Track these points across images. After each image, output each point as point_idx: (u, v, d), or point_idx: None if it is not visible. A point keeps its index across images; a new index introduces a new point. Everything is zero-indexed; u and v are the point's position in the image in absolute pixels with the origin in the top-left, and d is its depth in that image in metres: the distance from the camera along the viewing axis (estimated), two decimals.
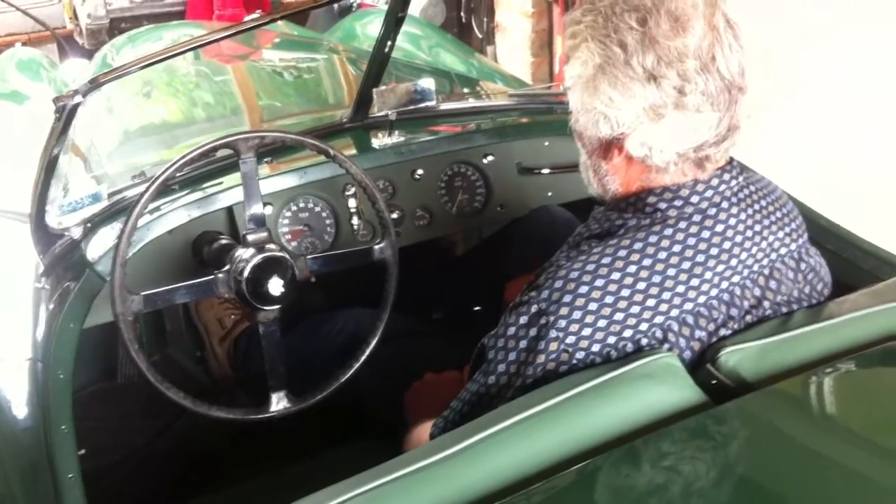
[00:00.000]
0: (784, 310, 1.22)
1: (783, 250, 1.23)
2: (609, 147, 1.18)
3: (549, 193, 1.98)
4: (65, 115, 1.34)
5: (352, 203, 1.78)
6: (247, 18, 3.96)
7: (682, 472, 0.96)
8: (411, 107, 1.76)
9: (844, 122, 3.02)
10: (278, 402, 1.50)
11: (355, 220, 1.79)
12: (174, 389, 1.42)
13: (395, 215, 1.81)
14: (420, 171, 1.83)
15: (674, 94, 1.09)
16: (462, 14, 4.50)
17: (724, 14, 1.11)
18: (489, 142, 1.89)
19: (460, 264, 2.14)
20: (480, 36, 4.44)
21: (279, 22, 3.76)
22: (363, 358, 1.55)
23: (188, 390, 1.45)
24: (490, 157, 1.90)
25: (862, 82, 3.01)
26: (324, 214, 1.77)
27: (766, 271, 1.20)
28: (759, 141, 2.96)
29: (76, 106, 1.34)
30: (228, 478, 1.62)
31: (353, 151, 1.83)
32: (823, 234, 1.55)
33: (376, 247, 1.56)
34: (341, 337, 1.73)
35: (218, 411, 1.46)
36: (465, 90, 2.64)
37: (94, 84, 1.35)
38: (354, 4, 3.93)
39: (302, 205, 1.75)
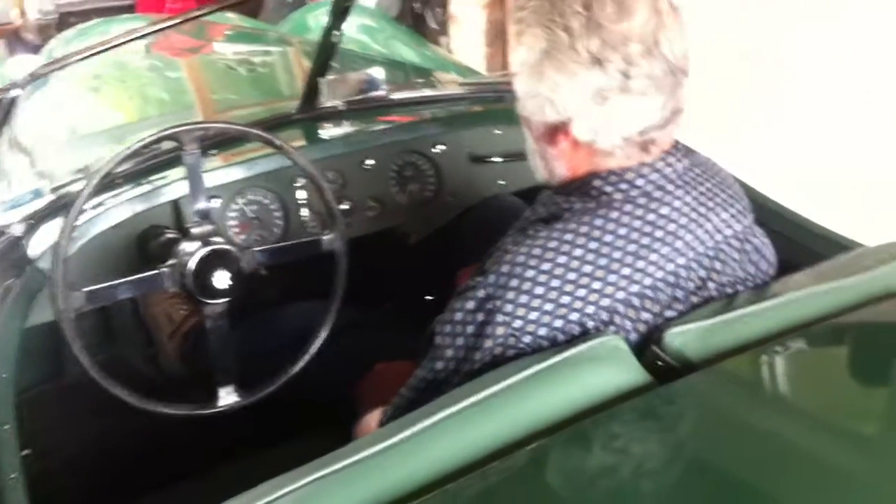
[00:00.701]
0: (729, 290, 1.23)
1: (728, 231, 1.23)
2: (555, 132, 1.18)
3: (502, 182, 1.98)
4: (3, 108, 1.32)
5: (301, 195, 1.76)
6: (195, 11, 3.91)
7: (628, 452, 0.97)
8: (360, 96, 1.75)
9: (839, 112, 3.02)
10: (227, 397, 1.49)
11: (304, 212, 1.77)
12: (120, 387, 1.40)
13: (344, 206, 1.80)
14: (370, 162, 1.82)
15: (619, 77, 1.09)
16: (416, 5, 4.48)
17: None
18: (439, 131, 1.89)
19: (413, 254, 2.13)
20: (434, 27, 4.43)
21: (230, 14, 3.73)
22: (312, 350, 1.54)
23: (139, 387, 1.43)
24: (441, 147, 1.89)
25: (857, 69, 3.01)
26: (272, 207, 1.75)
27: (712, 253, 1.21)
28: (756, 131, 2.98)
29: (14, 99, 1.32)
30: (180, 475, 1.61)
31: (302, 142, 1.82)
32: (770, 215, 1.56)
33: (325, 238, 1.55)
34: (292, 330, 1.71)
35: (165, 407, 1.45)
36: (419, 81, 2.63)
37: (34, 76, 1.32)
38: None
39: (250, 197, 1.73)
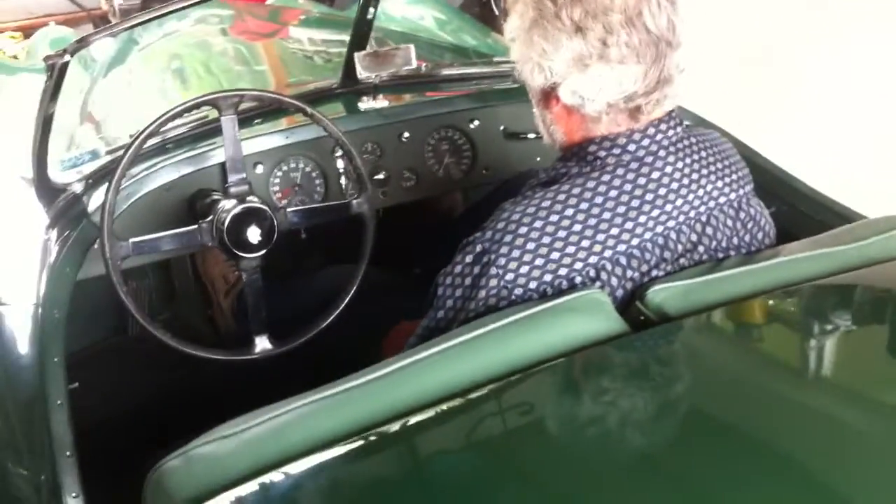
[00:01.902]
0: (720, 255, 1.29)
1: (722, 199, 1.29)
2: (548, 96, 1.26)
3: (538, 158, 2.05)
4: (55, 73, 1.45)
5: (340, 164, 1.86)
6: (270, 1, 4.08)
7: (598, 386, 1.06)
8: (393, 70, 1.84)
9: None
10: (260, 345, 1.61)
11: (343, 180, 1.87)
12: (161, 329, 1.53)
13: (381, 176, 1.90)
14: (407, 134, 1.91)
15: (598, 45, 1.16)
16: None
17: None
18: (474, 106, 1.97)
19: (446, 223, 2.22)
20: (498, 13, 4.50)
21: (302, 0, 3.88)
22: (342, 305, 1.64)
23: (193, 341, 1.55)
24: (476, 122, 1.97)
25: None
26: (313, 174, 1.86)
27: (704, 218, 1.27)
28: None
29: (65, 64, 1.45)
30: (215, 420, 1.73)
31: (342, 114, 1.92)
32: (779, 185, 1.60)
33: (354, 201, 1.65)
34: (326, 290, 1.82)
35: (203, 351, 1.57)
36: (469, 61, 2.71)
37: (82, 43, 1.45)
38: None
39: (292, 165, 1.84)
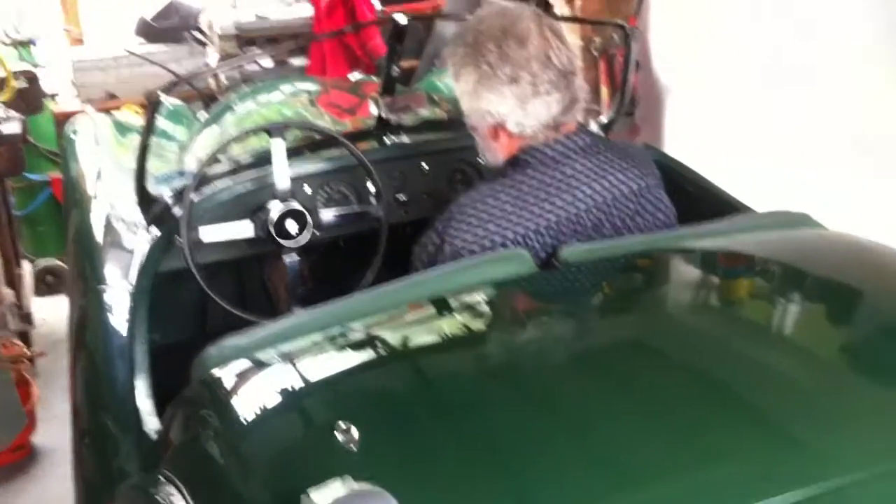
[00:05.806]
0: (624, 232, 1.71)
1: (624, 188, 1.71)
2: (496, 131, 1.72)
3: None
4: (150, 108, 1.99)
5: (371, 188, 2.35)
6: (350, 76, 4.70)
7: (508, 300, 1.56)
8: (409, 111, 2.34)
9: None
10: (296, 312, 2.08)
11: (373, 200, 2.36)
12: (220, 297, 2.02)
13: (403, 197, 2.38)
14: (425, 165, 2.39)
15: (529, 87, 1.64)
16: None
17: (550, 26, 1.68)
18: None
19: None
20: None
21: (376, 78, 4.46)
22: (361, 287, 2.11)
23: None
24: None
25: None
26: (349, 195, 2.35)
27: (609, 202, 1.70)
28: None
29: (158, 102, 1.98)
30: None
31: (374, 146, 2.42)
32: (684, 181, 2.04)
33: (372, 207, 2.14)
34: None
35: (249, 315, 2.04)
36: None
37: (171, 85, 1.99)
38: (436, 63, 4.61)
39: (332, 187, 2.33)
